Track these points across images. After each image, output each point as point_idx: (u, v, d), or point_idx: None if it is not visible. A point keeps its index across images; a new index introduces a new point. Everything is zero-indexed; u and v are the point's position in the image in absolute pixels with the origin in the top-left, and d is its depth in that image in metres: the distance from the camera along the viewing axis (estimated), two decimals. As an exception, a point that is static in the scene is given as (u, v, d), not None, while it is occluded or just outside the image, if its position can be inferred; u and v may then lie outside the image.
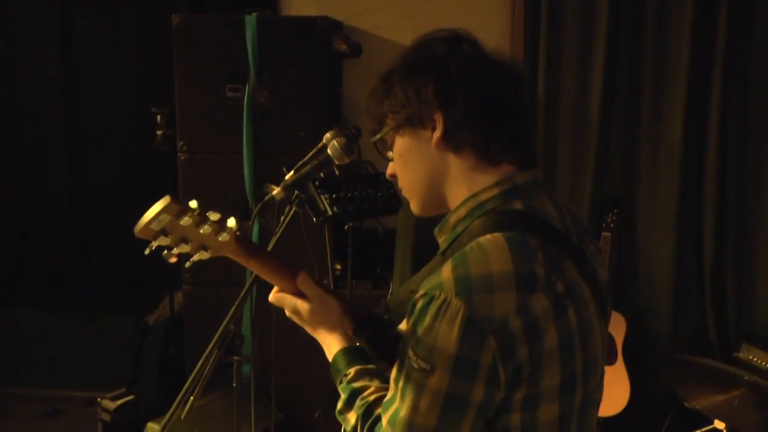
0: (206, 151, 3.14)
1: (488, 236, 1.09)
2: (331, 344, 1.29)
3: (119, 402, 3.24)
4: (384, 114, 1.20)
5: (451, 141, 1.16)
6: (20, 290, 3.84)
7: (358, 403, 1.20)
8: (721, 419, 2.36)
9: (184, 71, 3.10)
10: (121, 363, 3.51)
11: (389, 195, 2.62)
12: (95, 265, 3.77)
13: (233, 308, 1.71)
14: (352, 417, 1.20)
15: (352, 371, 1.24)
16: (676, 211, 3.27)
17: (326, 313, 1.30)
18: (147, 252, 1.18)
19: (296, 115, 3.03)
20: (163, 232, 1.16)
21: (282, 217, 1.76)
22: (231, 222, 1.22)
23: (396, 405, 1.10)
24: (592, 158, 3.31)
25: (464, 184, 1.17)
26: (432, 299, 1.06)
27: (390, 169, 1.26)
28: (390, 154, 1.24)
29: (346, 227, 2.57)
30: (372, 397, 1.19)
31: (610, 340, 3.15)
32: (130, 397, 3.27)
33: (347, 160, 1.66)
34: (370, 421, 1.17)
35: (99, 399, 3.27)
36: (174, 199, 1.15)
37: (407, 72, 1.18)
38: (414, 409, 1.08)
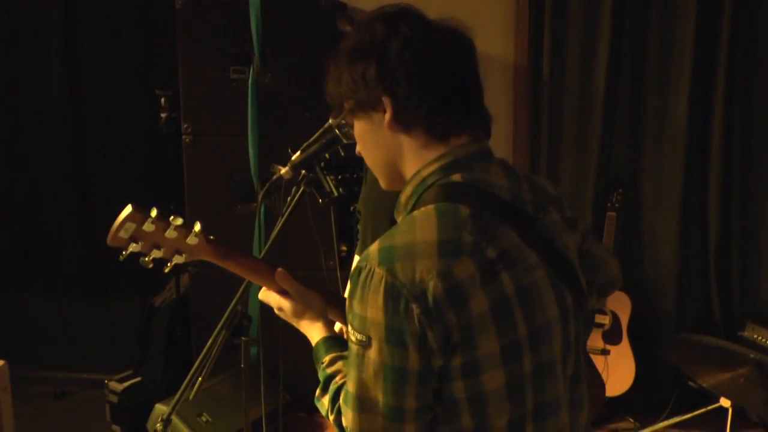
0: (211, 134, 3.13)
1: (422, 209, 1.12)
2: (314, 335, 1.34)
3: (126, 384, 3.25)
4: (340, 98, 1.21)
5: (400, 122, 1.16)
6: (26, 274, 3.84)
7: (331, 387, 1.23)
8: (727, 397, 2.36)
9: (188, 53, 3.08)
10: (127, 345, 3.51)
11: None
12: (101, 247, 3.74)
13: (241, 289, 1.71)
14: (326, 401, 1.23)
15: (327, 358, 1.28)
16: (681, 191, 3.26)
17: (306, 307, 1.35)
18: (121, 259, 1.26)
19: (301, 97, 3.01)
20: (133, 239, 1.24)
21: (289, 198, 1.75)
22: (197, 226, 1.28)
23: (347, 384, 1.13)
24: (596, 138, 3.30)
25: (416, 162, 1.18)
26: (360, 270, 1.09)
27: (358, 147, 1.27)
28: (354, 133, 1.26)
29: (351, 208, 2.55)
30: (341, 381, 1.21)
31: (615, 320, 3.15)
32: (137, 379, 3.28)
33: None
34: (336, 403, 1.19)
35: (106, 381, 3.28)
36: (135, 206, 1.24)
37: (351, 56, 1.18)
38: (360, 383, 1.10)
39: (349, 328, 1.11)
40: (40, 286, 3.83)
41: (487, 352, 1.08)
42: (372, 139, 1.21)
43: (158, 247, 1.26)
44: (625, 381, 3.08)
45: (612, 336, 3.14)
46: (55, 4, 3.59)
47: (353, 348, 1.10)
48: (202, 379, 1.72)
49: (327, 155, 1.81)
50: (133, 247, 1.24)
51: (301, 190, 1.72)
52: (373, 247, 1.10)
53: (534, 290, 1.13)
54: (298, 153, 1.69)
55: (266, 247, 1.71)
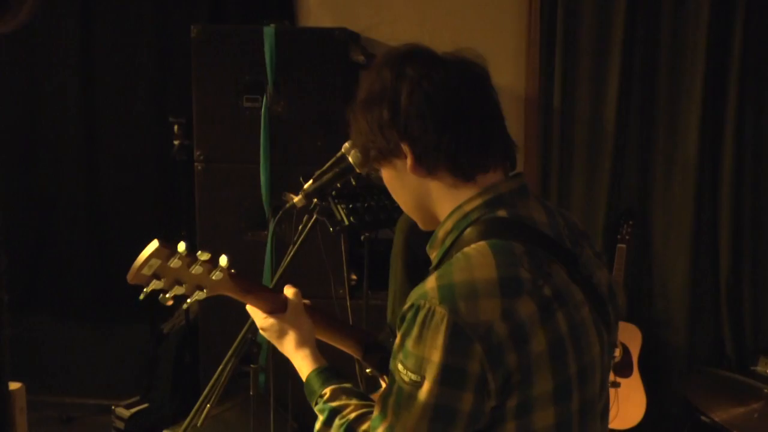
0: (223, 161, 3.15)
1: (473, 245, 1.09)
2: (302, 364, 1.31)
3: (133, 410, 3.24)
4: (364, 146, 1.21)
5: (423, 165, 1.15)
6: (35, 297, 3.85)
7: (337, 422, 1.19)
8: (740, 433, 2.33)
9: (202, 81, 3.12)
10: (135, 371, 3.51)
11: (405, 205, 2.60)
12: (111, 273, 3.78)
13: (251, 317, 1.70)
14: None
15: (328, 391, 1.23)
16: (692, 223, 3.25)
17: (294, 329, 1.32)
18: (141, 297, 1.20)
19: (313, 126, 3.04)
20: (156, 276, 1.18)
21: (300, 226, 1.76)
22: (223, 260, 1.24)
23: (386, 422, 1.08)
24: (607, 170, 3.30)
25: (449, 201, 1.17)
26: (418, 309, 1.06)
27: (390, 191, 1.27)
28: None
29: (362, 237, 2.56)
30: (352, 415, 1.18)
31: (626, 352, 3.12)
32: (145, 405, 3.27)
33: (368, 169, 1.65)
34: None
35: (113, 407, 3.27)
36: (162, 242, 1.18)
37: (364, 106, 1.18)
38: (403, 423, 1.06)
39: (399, 366, 1.07)
40: (49, 311, 3.84)
41: (541, 391, 1.06)
42: (399, 185, 1.20)
43: (180, 284, 1.21)
44: (635, 414, 3.04)
45: (623, 369, 3.11)
46: (72, 33, 3.65)
47: (404, 388, 1.06)
48: (211, 405, 1.71)
49: (339, 184, 1.82)
50: (154, 284, 1.19)
51: (313, 219, 1.72)
52: (431, 285, 1.06)
53: (582, 328, 1.12)
54: (311, 181, 1.69)
55: (276, 276, 1.71)
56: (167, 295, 1.22)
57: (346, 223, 2.43)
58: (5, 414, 2.28)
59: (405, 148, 1.14)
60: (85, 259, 3.79)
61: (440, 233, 1.18)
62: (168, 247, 1.19)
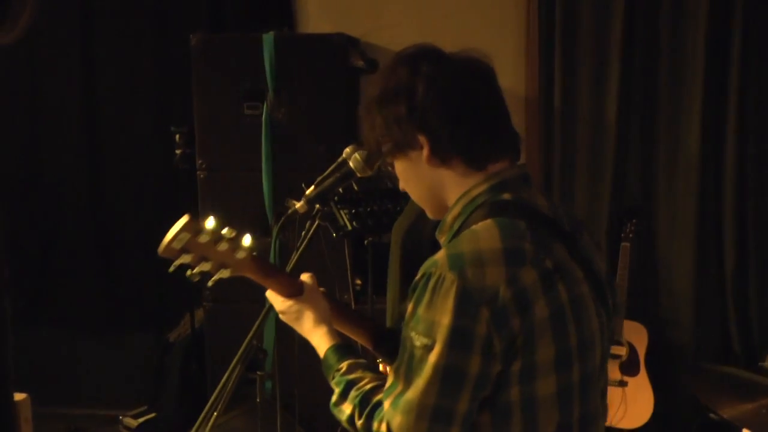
0: (225, 169, 3.16)
1: (480, 223, 1.19)
2: (320, 342, 1.37)
3: (141, 419, 3.24)
4: (376, 141, 1.29)
5: (438, 156, 1.24)
6: (41, 308, 3.86)
7: (353, 393, 1.25)
8: (750, 429, 2.32)
9: (202, 90, 3.13)
10: (142, 381, 3.51)
11: (408, 209, 2.61)
12: (116, 283, 3.78)
13: (256, 324, 1.70)
14: (347, 407, 1.25)
15: (344, 365, 1.30)
16: (696, 220, 3.24)
17: (312, 309, 1.38)
18: (171, 270, 1.24)
19: (314, 132, 3.05)
20: (185, 250, 1.22)
21: (303, 232, 1.76)
22: (246, 240, 1.28)
23: (398, 388, 1.15)
24: (609, 169, 3.30)
25: (458, 188, 1.26)
26: (429, 277, 1.14)
27: (400, 184, 1.34)
28: (395, 172, 1.33)
29: (365, 242, 2.56)
30: (368, 386, 1.24)
31: (633, 351, 3.12)
32: (152, 415, 3.27)
33: (369, 173, 1.66)
34: (368, 407, 1.21)
35: (120, 417, 3.27)
36: (192, 217, 1.23)
37: (380, 102, 1.26)
38: (415, 387, 1.13)
39: (411, 333, 1.14)
40: (55, 321, 3.84)
41: (544, 358, 1.14)
42: (413, 175, 1.29)
43: (206, 260, 1.25)
44: (643, 413, 3.03)
45: (629, 367, 3.10)
46: (73, 43, 3.67)
47: (416, 353, 1.13)
48: (217, 414, 1.71)
49: (341, 189, 1.82)
50: (183, 258, 1.23)
51: (315, 224, 1.73)
52: (440, 255, 1.15)
53: (582, 303, 1.20)
54: (313, 187, 1.70)
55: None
56: (194, 271, 1.25)
57: (349, 228, 2.44)
58: (11, 425, 2.28)
59: (422, 139, 1.23)
60: (90, 268, 3.80)
61: (449, 218, 1.26)
62: (197, 222, 1.24)
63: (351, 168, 1.65)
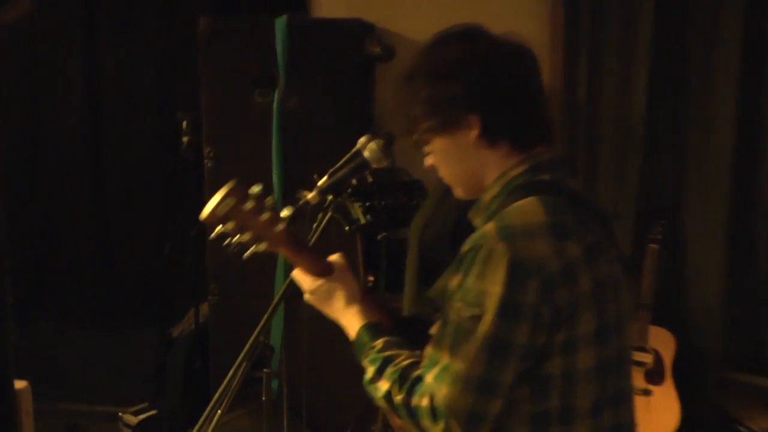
0: (233, 159, 3.15)
1: (522, 201, 1.24)
2: (352, 321, 1.39)
3: (141, 417, 3.25)
4: (416, 118, 1.31)
5: (487, 137, 1.29)
6: (41, 302, 3.88)
7: (390, 369, 1.27)
8: (781, 444, 2.29)
9: (210, 76, 3.12)
10: (143, 376, 3.52)
11: (424, 204, 2.59)
12: (118, 276, 3.80)
13: (263, 319, 1.70)
14: (383, 384, 1.27)
15: (380, 342, 1.33)
16: (727, 221, 3.21)
17: (343, 288, 1.41)
18: (211, 237, 1.27)
19: (327, 121, 3.04)
20: (227, 217, 1.23)
21: (315, 224, 1.75)
22: (284, 212, 1.32)
23: (443, 361, 1.19)
24: (636, 167, 3.27)
25: (499, 169, 1.31)
26: (479, 249, 1.19)
27: (429, 161, 1.37)
28: (427, 149, 1.36)
29: (379, 237, 2.55)
30: (405, 362, 1.27)
31: (658, 359, 3.09)
32: (153, 412, 3.28)
33: (385, 163, 1.65)
34: (407, 383, 1.23)
35: (120, 413, 3.28)
36: (238, 183, 1.24)
37: (430, 77, 1.29)
38: (462, 358, 1.17)
39: (458, 304, 1.19)
40: (55, 315, 3.87)
41: (585, 331, 1.20)
42: (455, 154, 1.32)
43: (245, 230, 1.26)
44: (669, 424, 3.00)
45: (655, 375, 3.07)
46: (76, 27, 3.68)
47: (463, 324, 1.18)
48: (221, 412, 1.70)
49: (354, 181, 1.81)
50: (225, 226, 1.24)
51: (328, 216, 1.72)
52: (489, 228, 1.20)
53: (618, 280, 1.28)
54: (325, 178, 1.69)
55: (290, 276, 1.70)
56: (233, 240, 1.26)
57: (362, 221, 2.43)
58: (12, 417, 2.30)
59: (472, 119, 1.27)
60: (92, 262, 3.82)
61: (486, 198, 1.32)
62: (243, 188, 1.26)
63: (366, 158, 1.65)
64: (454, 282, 1.22)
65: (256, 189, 1.27)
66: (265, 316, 1.67)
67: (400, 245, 3.00)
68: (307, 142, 3.04)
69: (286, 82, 3.01)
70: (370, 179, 2.51)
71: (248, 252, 1.30)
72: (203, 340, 3.30)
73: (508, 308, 1.16)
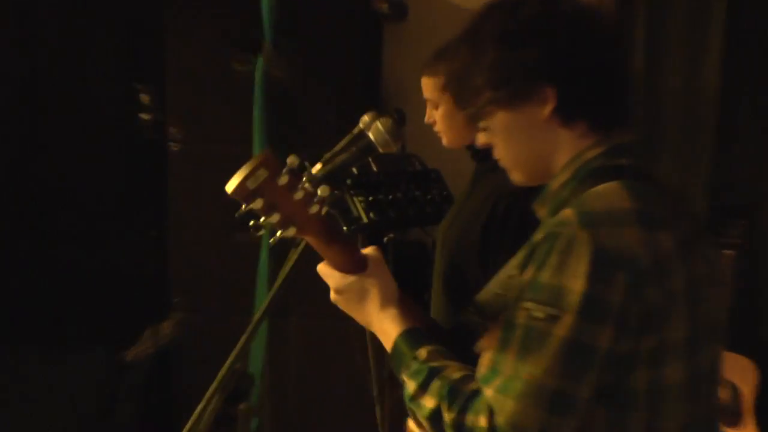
0: (205, 141, 3.19)
1: (602, 185, 1.27)
2: (388, 326, 1.40)
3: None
4: (478, 87, 1.33)
5: (562, 114, 1.31)
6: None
7: (436, 383, 1.28)
8: None
9: (178, 38, 3.13)
10: (87, 412, 3.52)
11: (441, 198, 2.60)
12: (58, 286, 3.79)
13: (241, 342, 1.69)
14: (429, 401, 1.27)
15: (424, 351, 1.34)
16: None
17: (380, 287, 1.42)
18: (237, 215, 1.27)
19: (323, 95, 3.04)
20: (257, 192, 1.24)
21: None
22: (322, 190, 1.30)
23: (507, 371, 1.19)
24: (707, 157, 3.30)
25: (571, 151, 1.34)
26: (556, 237, 1.20)
27: (483, 138, 1.39)
28: (483, 123, 1.38)
29: (385, 239, 2.55)
30: (456, 375, 1.28)
31: (735, 393, 3.08)
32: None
33: (394, 148, 1.65)
34: (461, 399, 1.23)
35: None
36: (271, 153, 1.26)
37: (503, 40, 1.30)
38: (533, 366, 1.17)
39: (529, 304, 1.20)
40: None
41: (676, 338, 1.22)
42: (519, 132, 1.35)
43: (276, 210, 1.27)
44: (749, 477, 3.00)
45: (731, 415, 3.07)
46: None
47: (534, 326, 1.19)
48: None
49: (355, 169, 1.81)
50: (254, 203, 1.24)
51: (324, 213, 1.71)
52: (567, 213, 1.22)
53: (710, 281, 1.30)
54: (320, 165, 1.68)
55: (275, 287, 1.69)
56: (261, 221, 1.28)
57: (365, 220, 2.43)
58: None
59: (549, 92, 1.29)
60: (24, 269, 3.81)
61: (555, 185, 1.35)
62: (277, 159, 1.25)
63: (371, 141, 1.64)
64: (524, 277, 1.23)
65: (292, 159, 1.27)
66: (243, 338, 1.67)
67: (410, 249, 3.00)
68: (297, 120, 3.04)
69: (272, 46, 3.00)
70: (374, 167, 2.50)
71: (274, 238, 1.31)
72: (165, 367, 3.30)
73: (591, 307, 1.16)
